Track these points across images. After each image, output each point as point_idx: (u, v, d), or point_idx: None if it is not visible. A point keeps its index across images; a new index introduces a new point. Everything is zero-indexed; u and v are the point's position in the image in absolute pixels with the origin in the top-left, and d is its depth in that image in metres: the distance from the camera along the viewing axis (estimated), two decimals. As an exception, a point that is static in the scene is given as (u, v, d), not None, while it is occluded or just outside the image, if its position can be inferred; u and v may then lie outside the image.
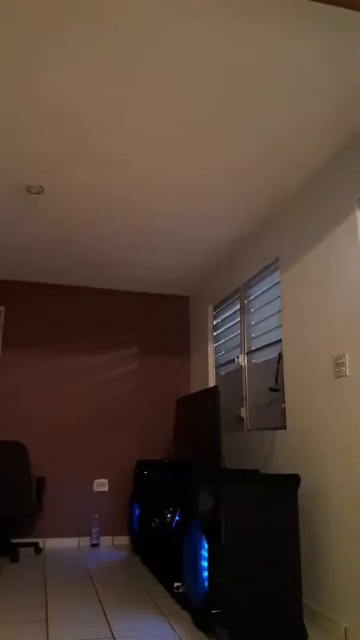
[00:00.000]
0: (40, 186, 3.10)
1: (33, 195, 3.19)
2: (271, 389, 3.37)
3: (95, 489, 4.66)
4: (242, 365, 3.93)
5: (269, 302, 3.57)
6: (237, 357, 4.01)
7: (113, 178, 3.02)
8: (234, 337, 4.20)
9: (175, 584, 2.94)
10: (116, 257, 4.26)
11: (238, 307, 4.12)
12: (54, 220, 3.58)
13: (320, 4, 1.76)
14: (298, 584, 2.44)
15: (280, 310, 3.32)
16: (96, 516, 4.55)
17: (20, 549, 4.06)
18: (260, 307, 3.74)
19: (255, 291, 3.85)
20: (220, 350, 4.51)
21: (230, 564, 2.37)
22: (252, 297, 3.91)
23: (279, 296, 3.34)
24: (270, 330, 3.53)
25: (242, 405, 3.86)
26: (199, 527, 2.64)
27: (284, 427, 3.12)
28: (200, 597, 2.54)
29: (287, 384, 3.14)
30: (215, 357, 4.62)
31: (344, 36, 1.97)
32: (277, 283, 3.41)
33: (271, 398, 3.41)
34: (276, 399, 3.33)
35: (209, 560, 2.47)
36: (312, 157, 2.80)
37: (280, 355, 3.30)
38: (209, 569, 2.46)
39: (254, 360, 3.78)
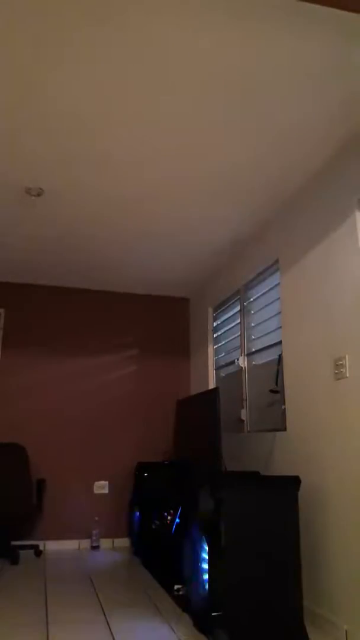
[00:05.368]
0: (40, 188, 3.10)
1: (33, 197, 3.20)
2: (271, 391, 3.37)
3: (95, 491, 4.65)
4: (242, 367, 3.92)
5: (269, 304, 3.57)
6: (237, 359, 4.01)
7: (113, 180, 3.02)
8: (234, 338, 4.19)
9: (176, 586, 2.94)
10: (116, 258, 4.27)
11: (238, 308, 4.12)
12: (54, 222, 3.58)
13: (320, 6, 1.77)
14: (298, 586, 2.43)
15: (280, 312, 3.32)
16: (96, 518, 4.54)
17: (20, 551, 4.05)
18: (260, 309, 3.74)
19: (255, 293, 3.85)
20: (221, 352, 4.51)
21: (231, 566, 2.37)
22: (252, 299, 3.91)
23: (279, 298, 3.34)
24: (270, 332, 3.53)
25: (242, 407, 3.86)
26: (199, 529, 2.63)
27: (284, 429, 3.12)
28: (201, 599, 2.53)
29: (287, 385, 3.14)
30: (216, 359, 4.62)
31: (343, 37, 1.97)
32: (277, 285, 3.41)
33: (271, 400, 3.41)
34: (276, 400, 3.33)
35: (210, 562, 2.46)
36: (312, 158, 2.81)
37: (280, 357, 3.30)
38: (210, 571, 2.46)
39: (254, 362, 3.78)
